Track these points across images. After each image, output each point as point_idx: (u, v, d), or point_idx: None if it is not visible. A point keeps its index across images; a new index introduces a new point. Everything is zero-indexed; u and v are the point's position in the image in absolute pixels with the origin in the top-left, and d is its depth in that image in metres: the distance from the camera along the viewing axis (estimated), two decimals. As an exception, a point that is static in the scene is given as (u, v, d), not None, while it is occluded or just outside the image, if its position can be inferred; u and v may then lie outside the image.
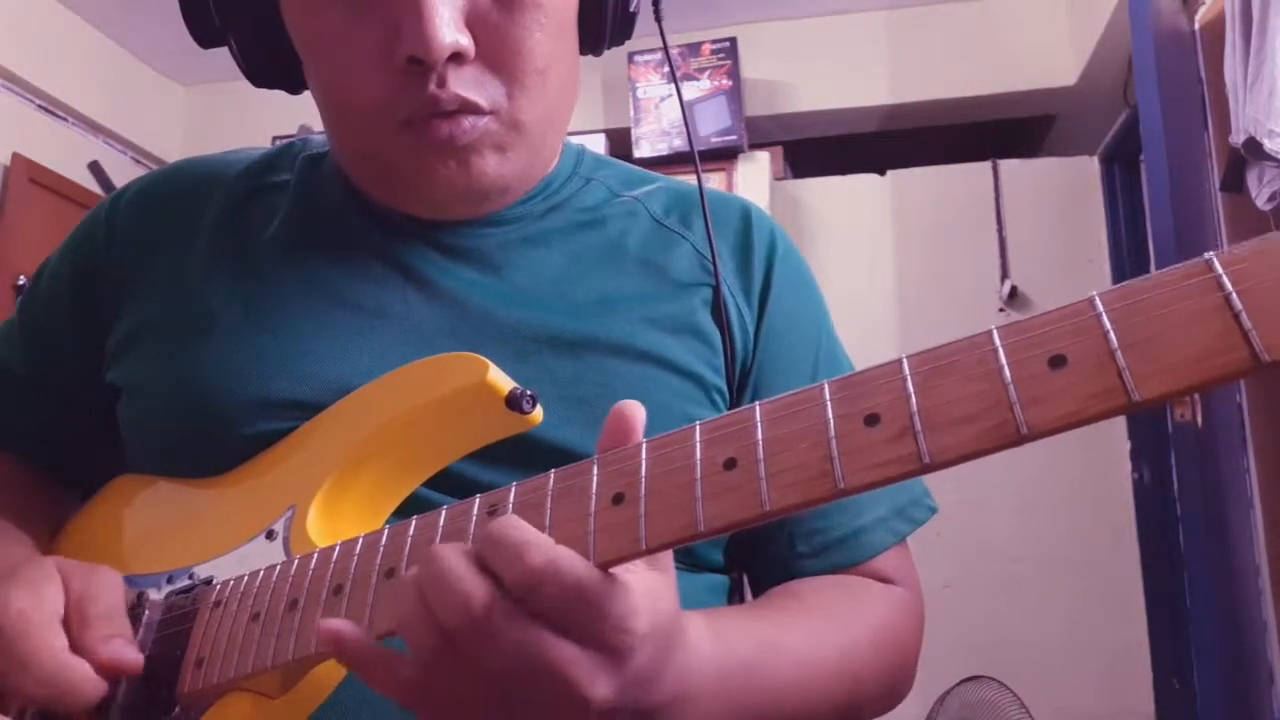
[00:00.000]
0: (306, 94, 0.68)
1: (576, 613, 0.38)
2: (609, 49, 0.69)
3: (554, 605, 0.38)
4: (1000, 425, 0.32)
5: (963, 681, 2.41)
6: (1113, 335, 0.31)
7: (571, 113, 0.68)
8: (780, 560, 0.65)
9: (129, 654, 0.50)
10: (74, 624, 0.51)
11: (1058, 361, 0.32)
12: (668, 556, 0.43)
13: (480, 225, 0.66)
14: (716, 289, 0.66)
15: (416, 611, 0.40)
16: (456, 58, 0.57)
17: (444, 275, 0.64)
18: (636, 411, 0.43)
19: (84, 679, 0.48)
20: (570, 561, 0.38)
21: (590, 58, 0.70)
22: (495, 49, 0.58)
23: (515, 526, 0.39)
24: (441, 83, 0.57)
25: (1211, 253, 0.30)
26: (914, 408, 0.34)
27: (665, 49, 0.73)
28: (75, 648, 0.50)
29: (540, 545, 0.38)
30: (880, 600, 0.64)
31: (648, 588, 0.41)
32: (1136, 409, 0.30)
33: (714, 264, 0.67)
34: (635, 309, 0.64)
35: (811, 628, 0.58)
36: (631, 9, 0.67)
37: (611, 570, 0.39)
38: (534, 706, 0.40)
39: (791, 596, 0.62)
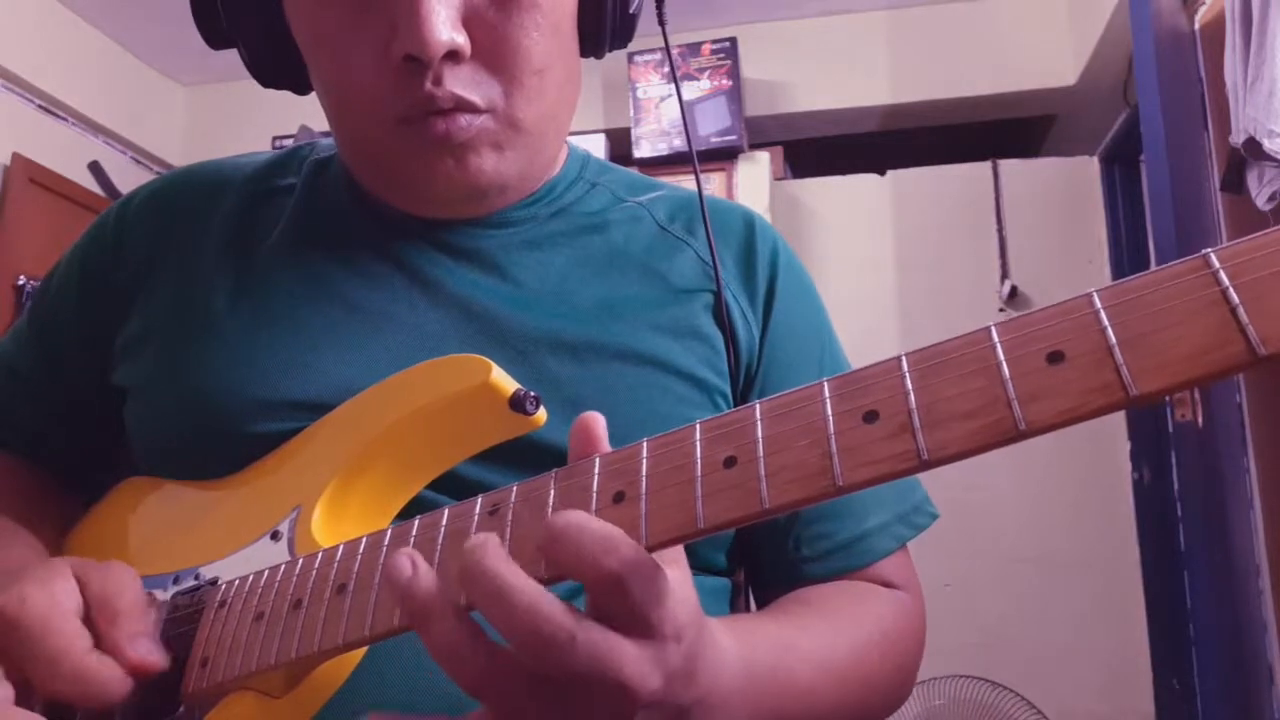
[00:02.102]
0: (309, 94, 0.68)
1: (644, 603, 0.38)
2: (610, 51, 0.69)
3: (632, 601, 0.37)
4: (998, 421, 0.32)
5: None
6: (1110, 331, 0.31)
7: (573, 113, 0.68)
8: (785, 564, 0.65)
9: (156, 655, 0.50)
10: (100, 620, 0.50)
11: (1055, 357, 0.32)
12: (681, 554, 0.43)
13: (484, 227, 0.66)
14: (719, 293, 0.67)
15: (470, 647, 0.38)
16: (453, 56, 0.57)
17: (448, 276, 0.65)
18: (596, 423, 0.44)
19: (112, 679, 0.48)
20: (641, 551, 0.37)
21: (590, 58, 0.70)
22: (492, 48, 0.58)
23: (588, 519, 0.37)
24: (437, 81, 0.57)
25: (1209, 248, 0.30)
26: (912, 404, 0.34)
27: (668, 51, 0.73)
28: (101, 643, 0.49)
29: (623, 539, 0.37)
30: (885, 605, 0.64)
31: (677, 580, 0.40)
32: (1134, 404, 0.30)
33: (715, 269, 0.67)
34: (638, 313, 0.65)
35: (824, 632, 0.58)
36: (631, 10, 0.67)
37: None
38: (579, 705, 0.39)
39: (801, 603, 0.62)
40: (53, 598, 0.50)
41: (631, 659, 0.38)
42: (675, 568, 0.41)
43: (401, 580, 0.39)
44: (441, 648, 0.38)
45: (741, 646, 0.47)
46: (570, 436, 0.44)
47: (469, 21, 0.57)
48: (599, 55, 0.69)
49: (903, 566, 0.67)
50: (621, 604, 0.37)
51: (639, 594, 0.37)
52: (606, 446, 0.43)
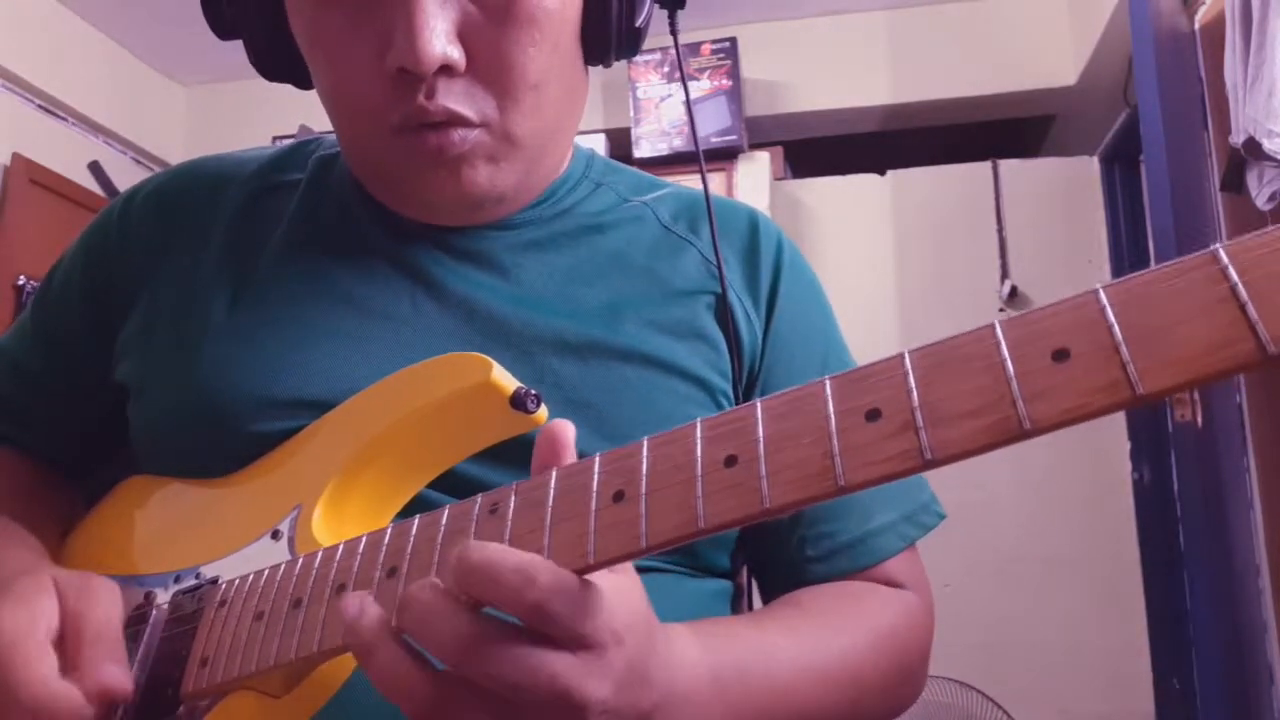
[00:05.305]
0: (308, 94, 0.68)
1: (572, 622, 0.38)
2: (618, 61, 0.69)
3: (560, 624, 0.38)
4: (1003, 420, 0.32)
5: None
6: (1116, 328, 0.31)
7: (577, 123, 0.68)
8: (789, 564, 0.65)
9: (119, 680, 0.49)
10: (69, 642, 0.50)
11: (1061, 355, 0.31)
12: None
13: (488, 229, 0.66)
14: (723, 294, 0.67)
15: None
16: (447, 70, 0.56)
17: (451, 277, 0.64)
18: (565, 430, 0.44)
19: (71, 709, 0.47)
20: (561, 574, 0.38)
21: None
22: (487, 63, 0.58)
23: (503, 551, 0.38)
24: (430, 94, 0.57)
25: (1218, 244, 0.30)
26: (915, 402, 0.34)
27: (679, 60, 0.73)
28: (69, 666, 0.49)
29: (542, 568, 0.38)
30: (885, 604, 0.63)
31: (615, 586, 0.41)
32: (1141, 402, 0.30)
33: (720, 270, 0.67)
34: (641, 314, 0.65)
35: (809, 632, 0.58)
36: (638, 23, 0.66)
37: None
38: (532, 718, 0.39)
39: (790, 604, 0.62)
40: (32, 620, 0.50)
41: (564, 668, 0.38)
42: (616, 574, 0.42)
43: (348, 618, 0.40)
44: (385, 678, 0.39)
45: (706, 648, 0.48)
46: (537, 444, 0.44)
47: (465, 35, 0.57)
48: (607, 64, 0.68)
49: (910, 566, 0.66)
50: (551, 627, 0.38)
51: (566, 615, 0.38)
52: (572, 456, 0.44)
